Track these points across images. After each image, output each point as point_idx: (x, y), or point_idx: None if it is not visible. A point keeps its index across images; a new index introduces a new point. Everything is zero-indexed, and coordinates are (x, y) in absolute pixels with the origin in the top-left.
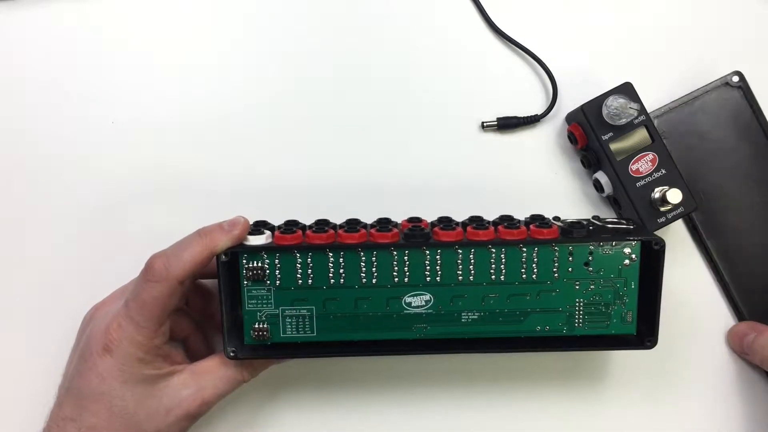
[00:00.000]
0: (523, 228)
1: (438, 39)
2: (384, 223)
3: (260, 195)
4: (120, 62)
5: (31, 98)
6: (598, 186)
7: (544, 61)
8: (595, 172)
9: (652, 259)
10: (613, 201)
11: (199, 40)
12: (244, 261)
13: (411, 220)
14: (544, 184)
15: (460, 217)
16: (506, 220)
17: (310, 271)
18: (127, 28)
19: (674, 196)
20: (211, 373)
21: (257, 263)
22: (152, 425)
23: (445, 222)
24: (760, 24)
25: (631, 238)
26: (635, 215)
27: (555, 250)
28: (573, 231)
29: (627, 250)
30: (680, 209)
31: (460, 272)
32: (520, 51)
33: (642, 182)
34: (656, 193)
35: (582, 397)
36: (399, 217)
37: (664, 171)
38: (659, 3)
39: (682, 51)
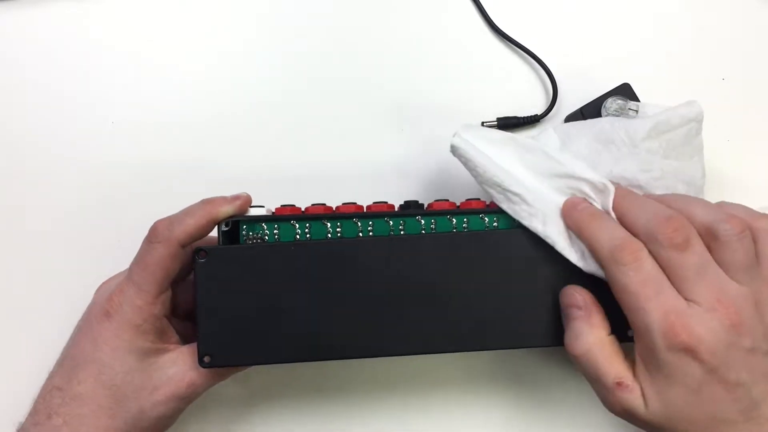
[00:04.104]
0: None
1: (438, 39)
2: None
3: (261, 194)
4: (120, 62)
5: (31, 98)
6: None
7: (544, 61)
8: None
9: None
10: None
11: (198, 41)
12: (244, 231)
13: None
14: None
15: None
16: None
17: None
18: (127, 27)
19: None
20: None
21: (257, 233)
22: (137, 403)
23: None
24: (760, 25)
25: None
26: None
27: None
28: None
29: None
30: None
31: None
32: (520, 51)
33: None
34: None
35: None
36: None
37: None
38: (659, 3)
39: (681, 51)
